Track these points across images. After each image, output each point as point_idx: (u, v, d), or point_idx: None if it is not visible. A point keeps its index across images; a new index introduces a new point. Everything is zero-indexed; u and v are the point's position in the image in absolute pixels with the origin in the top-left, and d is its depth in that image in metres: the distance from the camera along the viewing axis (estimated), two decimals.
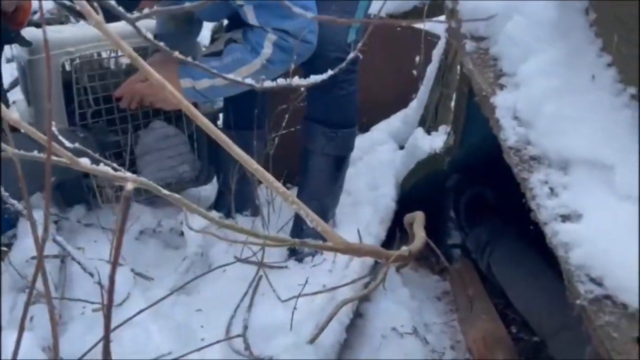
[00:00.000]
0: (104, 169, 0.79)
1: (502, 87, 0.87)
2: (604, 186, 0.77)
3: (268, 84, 0.81)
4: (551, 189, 0.80)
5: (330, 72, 0.84)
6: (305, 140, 1.71)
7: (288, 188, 2.24)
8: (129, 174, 0.84)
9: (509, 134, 0.84)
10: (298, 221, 1.76)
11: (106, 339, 0.57)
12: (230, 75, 0.93)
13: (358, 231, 1.64)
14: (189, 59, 0.73)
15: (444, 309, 1.64)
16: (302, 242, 1.08)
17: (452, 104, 1.55)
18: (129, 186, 0.45)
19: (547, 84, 0.82)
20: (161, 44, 0.67)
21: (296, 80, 0.87)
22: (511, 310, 1.61)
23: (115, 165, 0.89)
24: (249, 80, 0.83)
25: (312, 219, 1.12)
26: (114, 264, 0.46)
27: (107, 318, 0.54)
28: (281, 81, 0.84)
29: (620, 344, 0.72)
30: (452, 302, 1.67)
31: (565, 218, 0.78)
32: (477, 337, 1.41)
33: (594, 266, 0.74)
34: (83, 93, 1.70)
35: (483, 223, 1.67)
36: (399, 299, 1.56)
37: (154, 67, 0.72)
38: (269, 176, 1.08)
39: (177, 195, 0.98)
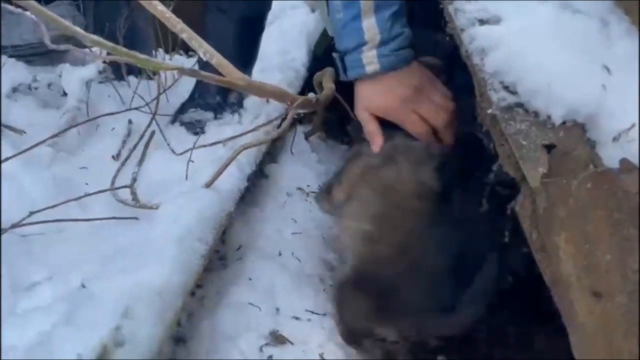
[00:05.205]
0: None
1: None
2: None
3: None
4: None
5: None
6: None
7: (189, 56, 2.06)
8: None
9: None
10: (197, 85, 1.59)
11: None
12: None
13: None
14: None
15: None
16: (192, 71, 0.96)
17: None
18: None
19: None
20: None
21: None
22: None
23: None
24: None
25: (205, 50, 0.99)
26: None
27: None
28: None
29: (529, 151, 0.69)
30: None
31: (483, 22, 0.71)
32: None
33: (509, 71, 0.69)
34: None
35: None
36: (306, 162, 1.50)
37: None
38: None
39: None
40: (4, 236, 0.97)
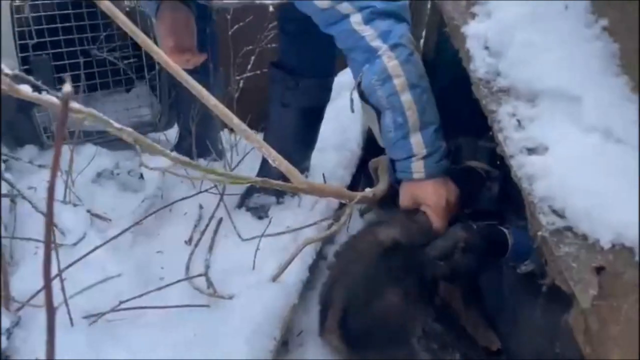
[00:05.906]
0: (46, 97, 0.73)
1: (473, 16, 0.84)
2: (570, 118, 0.77)
3: None
4: (518, 121, 0.79)
5: None
6: (268, 87, 1.62)
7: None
8: (77, 105, 0.78)
9: (479, 65, 0.81)
10: (265, 166, 1.70)
11: (47, 280, 0.50)
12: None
13: (323, 175, 1.63)
14: None
15: None
16: (263, 181, 1.06)
17: (422, 41, 1.51)
18: (67, 87, 0.40)
19: (519, 12, 0.79)
20: None
21: None
22: None
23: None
24: None
25: (274, 157, 1.09)
26: (53, 174, 0.42)
27: (47, 258, 0.48)
28: None
29: (579, 273, 0.73)
30: None
31: (531, 151, 0.77)
32: None
33: (556, 197, 0.74)
34: (25, 23, 1.59)
35: None
36: None
37: None
38: (227, 110, 1.04)
39: (129, 129, 0.93)
40: (95, 324, 1.08)
